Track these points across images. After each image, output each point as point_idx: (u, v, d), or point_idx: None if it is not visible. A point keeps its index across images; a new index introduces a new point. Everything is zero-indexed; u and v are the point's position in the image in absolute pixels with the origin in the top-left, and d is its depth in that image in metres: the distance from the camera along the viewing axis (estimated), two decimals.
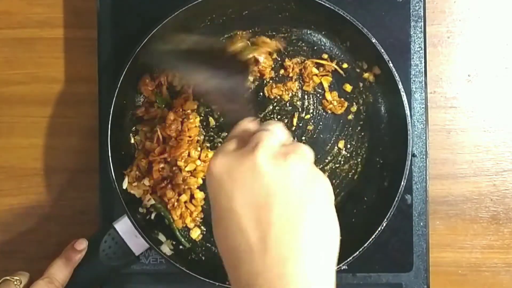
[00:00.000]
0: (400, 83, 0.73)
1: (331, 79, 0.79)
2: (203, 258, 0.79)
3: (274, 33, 0.79)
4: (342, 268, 0.74)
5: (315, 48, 0.79)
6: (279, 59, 0.80)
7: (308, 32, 0.79)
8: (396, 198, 0.73)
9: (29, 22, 0.84)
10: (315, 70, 0.79)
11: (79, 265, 0.72)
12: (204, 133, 0.80)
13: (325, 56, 0.79)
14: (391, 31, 0.79)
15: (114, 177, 0.73)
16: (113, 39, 0.79)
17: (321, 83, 0.80)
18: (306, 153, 0.53)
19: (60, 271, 0.71)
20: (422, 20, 0.79)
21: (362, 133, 0.80)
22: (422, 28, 0.79)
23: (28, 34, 0.84)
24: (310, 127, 0.80)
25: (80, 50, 0.83)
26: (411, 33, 0.79)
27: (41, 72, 0.84)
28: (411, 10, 0.79)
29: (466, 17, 0.84)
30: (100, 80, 0.79)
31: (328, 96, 0.79)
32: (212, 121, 0.80)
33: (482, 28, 0.84)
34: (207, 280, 0.73)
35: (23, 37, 0.84)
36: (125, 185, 0.76)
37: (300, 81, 0.80)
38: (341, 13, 0.73)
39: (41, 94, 0.84)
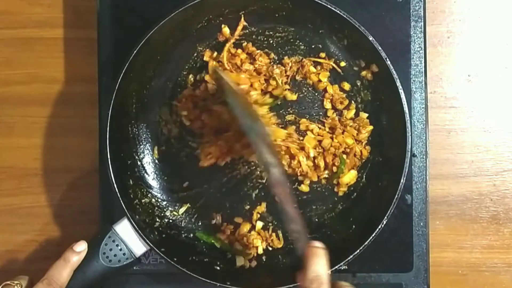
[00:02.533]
0: (398, 80, 0.73)
1: (328, 74, 0.79)
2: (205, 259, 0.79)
3: (271, 32, 0.79)
4: (342, 268, 0.74)
5: (313, 46, 0.79)
6: (277, 58, 0.80)
7: (305, 31, 0.79)
8: (396, 197, 0.73)
9: (29, 22, 0.84)
10: (312, 69, 0.79)
11: (80, 267, 0.72)
12: None
13: (323, 54, 0.79)
14: (391, 31, 0.79)
15: (113, 178, 0.73)
16: (113, 39, 0.79)
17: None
18: None
19: (59, 273, 0.71)
20: (422, 20, 0.79)
21: None
22: (422, 28, 0.79)
23: (28, 34, 0.84)
24: None
25: (80, 50, 0.84)
26: (411, 33, 0.79)
27: (41, 72, 0.84)
28: (411, 10, 0.79)
29: (466, 17, 0.84)
30: (100, 80, 0.79)
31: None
32: None
33: (482, 28, 0.84)
34: (207, 280, 0.73)
35: (23, 37, 0.84)
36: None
37: None
38: (338, 11, 0.73)
39: (41, 94, 0.84)
